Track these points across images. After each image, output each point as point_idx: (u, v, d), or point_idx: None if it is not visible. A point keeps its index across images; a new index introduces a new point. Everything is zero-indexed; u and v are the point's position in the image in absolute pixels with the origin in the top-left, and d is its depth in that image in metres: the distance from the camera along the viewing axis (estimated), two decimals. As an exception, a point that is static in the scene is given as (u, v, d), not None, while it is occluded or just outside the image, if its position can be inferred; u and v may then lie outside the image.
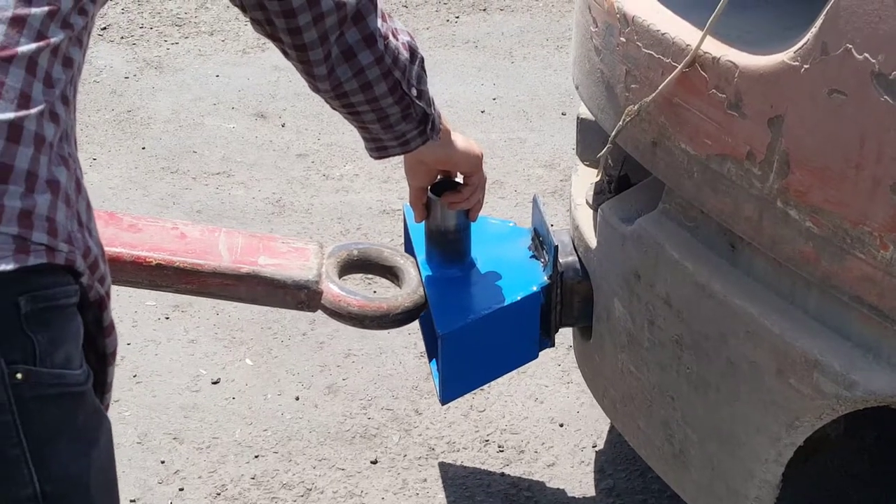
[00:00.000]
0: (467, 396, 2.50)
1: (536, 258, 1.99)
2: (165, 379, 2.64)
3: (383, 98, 1.47)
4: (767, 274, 1.46)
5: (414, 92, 1.50)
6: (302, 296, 1.89)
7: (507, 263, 1.98)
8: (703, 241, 1.55)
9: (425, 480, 2.32)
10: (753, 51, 1.37)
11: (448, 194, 1.82)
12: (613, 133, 1.58)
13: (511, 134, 3.81)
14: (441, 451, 2.40)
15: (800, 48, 1.27)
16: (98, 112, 3.98)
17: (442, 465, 2.36)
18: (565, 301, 1.93)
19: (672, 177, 1.54)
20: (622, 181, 1.86)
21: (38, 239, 0.92)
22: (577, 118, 2.04)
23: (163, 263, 1.83)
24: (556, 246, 1.87)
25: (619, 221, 1.71)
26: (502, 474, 2.33)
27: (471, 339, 1.83)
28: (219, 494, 2.28)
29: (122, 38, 4.57)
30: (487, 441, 2.42)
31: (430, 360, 1.98)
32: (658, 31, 1.49)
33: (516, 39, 4.57)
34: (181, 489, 2.30)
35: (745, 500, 1.59)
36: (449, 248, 1.94)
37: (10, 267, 0.89)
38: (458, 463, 2.37)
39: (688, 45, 1.43)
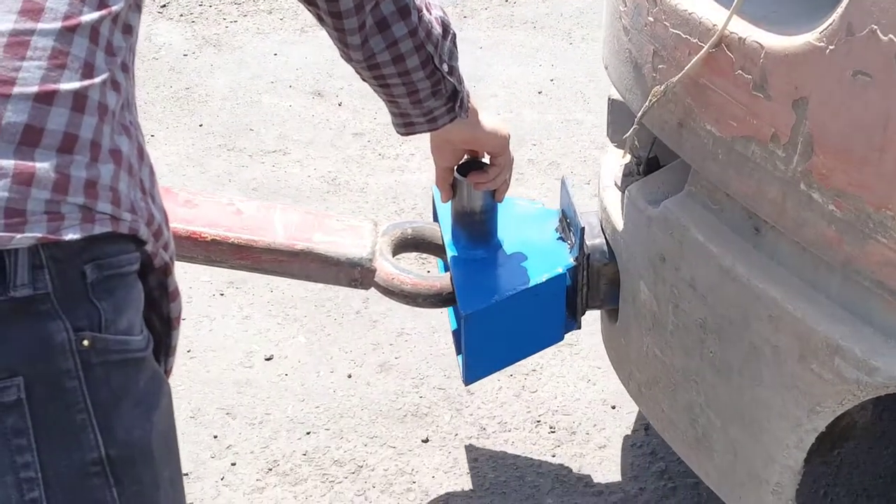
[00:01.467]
0: (519, 377, 2.51)
1: (563, 240, 1.99)
2: (219, 354, 2.66)
3: (415, 72, 1.47)
4: (791, 258, 1.45)
5: (445, 67, 1.50)
6: (355, 273, 1.91)
7: (533, 245, 1.98)
8: (728, 224, 1.54)
9: (476, 460, 2.33)
10: (780, 31, 1.35)
11: (474, 174, 1.82)
12: (640, 114, 1.57)
13: (568, 115, 3.79)
14: (492, 431, 2.41)
15: (825, 29, 1.26)
16: (157, 89, 4.00)
17: (493, 445, 2.37)
18: (592, 283, 1.92)
19: (698, 158, 1.53)
20: (651, 163, 1.84)
21: (102, 209, 0.93)
22: (608, 99, 2.03)
23: (218, 239, 1.85)
24: (583, 228, 1.86)
25: (645, 203, 1.70)
26: (553, 455, 2.34)
27: (495, 321, 1.83)
28: (270, 470, 2.30)
29: (181, 15, 4.58)
30: (539, 422, 2.42)
31: (457, 354, 1.97)
32: (685, 10, 1.48)
33: (575, 20, 4.53)
34: (233, 464, 2.33)
35: (767, 486, 1.58)
36: (475, 228, 1.94)
37: (76, 236, 0.90)
38: (510, 443, 2.38)
39: (714, 25, 1.42)
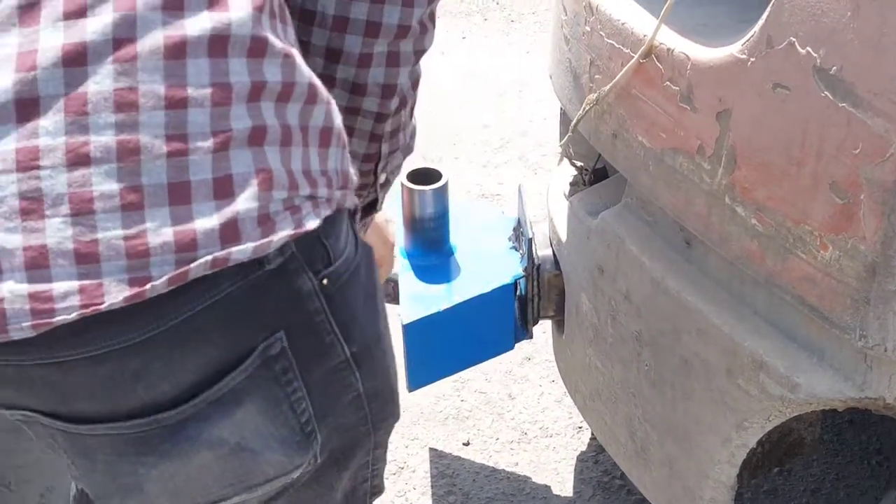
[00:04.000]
0: (561, 383, 2.49)
1: (516, 249, 1.98)
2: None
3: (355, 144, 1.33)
4: (720, 271, 1.44)
5: (382, 177, 1.38)
6: (388, 288, 1.90)
7: (486, 253, 1.97)
8: (662, 236, 1.53)
9: (517, 464, 2.31)
10: (708, 43, 1.34)
11: None
12: (573, 122, 1.56)
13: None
14: (533, 436, 2.39)
15: (747, 41, 1.25)
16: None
17: (534, 450, 2.35)
18: (543, 293, 1.91)
19: (631, 170, 1.51)
20: (599, 174, 1.83)
21: (322, 194, 0.99)
22: (560, 109, 2.02)
23: None
24: (531, 238, 1.85)
25: (585, 214, 1.69)
26: (595, 461, 2.31)
27: (437, 329, 1.82)
28: (311, 469, 2.30)
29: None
30: (581, 428, 2.40)
31: None
32: (619, 20, 1.47)
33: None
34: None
35: (700, 501, 1.57)
36: (425, 235, 1.93)
37: (315, 224, 0.97)
38: (551, 448, 2.36)
39: (645, 36, 1.41)
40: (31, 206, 0.85)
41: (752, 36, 1.24)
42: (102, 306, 0.85)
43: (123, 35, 0.87)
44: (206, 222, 0.88)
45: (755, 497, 2.14)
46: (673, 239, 1.51)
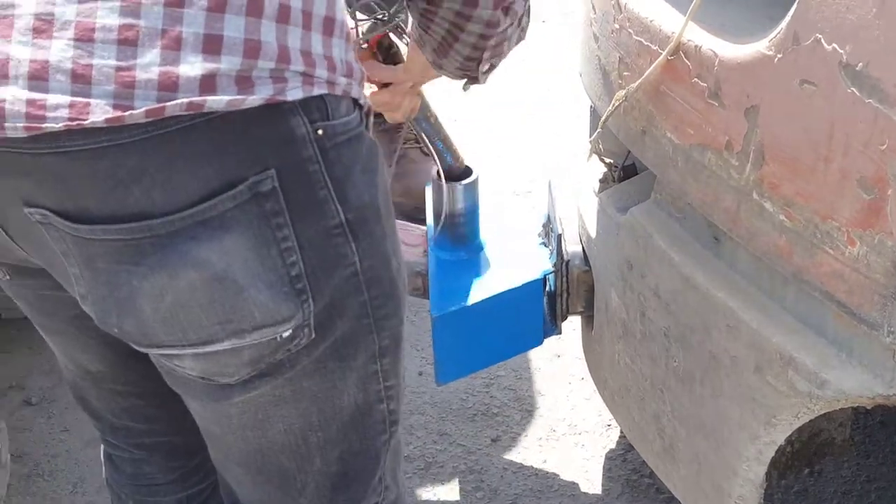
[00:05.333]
0: (591, 381, 2.50)
1: (546, 245, 1.98)
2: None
3: (459, 47, 1.35)
4: (749, 267, 1.44)
5: (485, 66, 1.41)
6: (418, 282, 1.92)
7: (516, 249, 1.97)
8: (691, 232, 1.53)
9: (545, 461, 2.32)
10: (735, 39, 1.34)
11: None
12: (602, 119, 1.57)
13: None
14: (563, 433, 2.40)
15: (774, 37, 1.25)
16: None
17: (563, 448, 2.36)
18: (572, 290, 1.91)
19: (660, 166, 1.52)
20: (628, 171, 1.84)
21: (319, 74, 1.06)
22: (590, 107, 2.02)
23: None
24: (560, 234, 1.85)
25: (615, 211, 1.69)
26: (624, 459, 2.32)
27: (466, 323, 1.83)
28: (340, 463, 2.32)
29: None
30: (610, 425, 2.40)
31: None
32: (647, 18, 1.47)
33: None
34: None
35: (729, 499, 1.57)
36: (455, 231, 1.94)
37: (298, 97, 1.04)
38: (580, 446, 2.37)
39: (673, 33, 1.41)
40: (43, 26, 0.96)
41: (778, 32, 1.24)
42: (86, 122, 0.96)
43: None
44: (190, 70, 0.97)
45: (785, 497, 2.13)
46: (702, 235, 1.51)
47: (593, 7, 1.65)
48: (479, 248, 1.97)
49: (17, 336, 2.66)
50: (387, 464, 1.38)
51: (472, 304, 1.81)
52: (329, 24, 1.08)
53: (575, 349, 2.51)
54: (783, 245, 1.32)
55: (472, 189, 1.91)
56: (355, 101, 1.13)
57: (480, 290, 1.85)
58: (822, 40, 1.18)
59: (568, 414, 2.45)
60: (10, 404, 2.51)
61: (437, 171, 1.88)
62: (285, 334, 1.11)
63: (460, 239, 1.95)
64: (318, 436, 1.27)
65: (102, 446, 1.57)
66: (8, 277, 1.31)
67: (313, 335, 1.14)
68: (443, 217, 1.92)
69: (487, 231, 1.99)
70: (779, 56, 1.24)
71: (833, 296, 1.27)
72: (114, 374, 1.44)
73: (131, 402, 1.48)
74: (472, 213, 1.92)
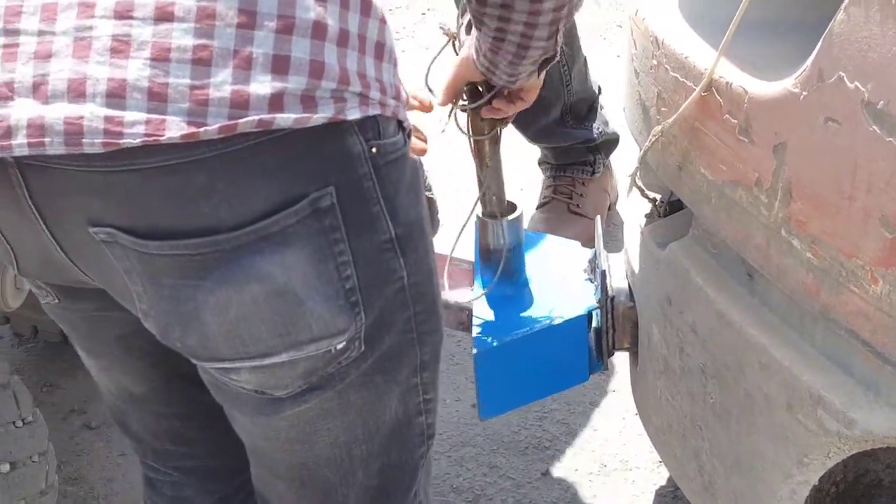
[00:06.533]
0: None
1: (592, 281, 1.99)
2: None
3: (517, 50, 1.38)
4: (780, 305, 1.43)
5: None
6: (463, 317, 1.95)
7: (561, 284, 1.98)
8: (726, 268, 1.53)
9: (595, 496, 2.32)
10: (763, 76, 1.35)
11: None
12: (640, 154, 1.58)
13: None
14: (613, 469, 2.39)
15: (800, 75, 1.25)
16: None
17: (613, 483, 2.36)
18: (617, 326, 1.91)
19: (695, 202, 1.52)
20: (674, 206, 1.84)
21: (373, 96, 1.11)
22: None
23: None
24: (604, 270, 1.86)
25: (655, 246, 1.69)
26: (674, 497, 2.31)
27: (508, 359, 1.84)
28: (391, 493, 2.34)
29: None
30: (661, 462, 2.38)
31: None
32: (682, 54, 1.48)
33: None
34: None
35: (766, 538, 1.55)
36: (500, 266, 1.95)
37: (356, 116, 1.10)
38: (630, 482, 2.36)
39: (706, 69, 1.42)
40: (121, 46, 1.01)
41: (804, 70, 1.24)
42: (162, 138, 1.00)
43: None
44: (260, 88, 1.02)
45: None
46: (736, 271, 1.51)
47: (634, 43, 1.67)
48: (524, 283, 1.97)
49: (80, 361, 2.72)
50: (421, 479, 1.41)
51: (514, 341, 1.82)
52: (380, 49, 1.12)
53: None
54: (811, 283, 1.31)
55: (517, 225, 1.92)
56: (400, 123, 1.17)
57: (523, 327, 1.86)
58: (846, 78, 1.18)
59: (620, 449, 2.44)
60: (70, 428, 2.58)
61: (483, 208, 1.90)
62: (339, 346, 1.16)
63: (505, 275, 1.96)
64: (361, 448, 1.31)
65: (142, 469, 1.61)
66: (57, 301, 1.35)
67: (363, 348, 1.19)
68: (489, 254, 1.93)
69: (532, 267, 2.00)
70: (804, 94, 1.24)
71: (858, 334, 1.27)
72: (156, 395, 1.48)
73: (172, 424, 1.52)
74: (516, 248, 1.93)
